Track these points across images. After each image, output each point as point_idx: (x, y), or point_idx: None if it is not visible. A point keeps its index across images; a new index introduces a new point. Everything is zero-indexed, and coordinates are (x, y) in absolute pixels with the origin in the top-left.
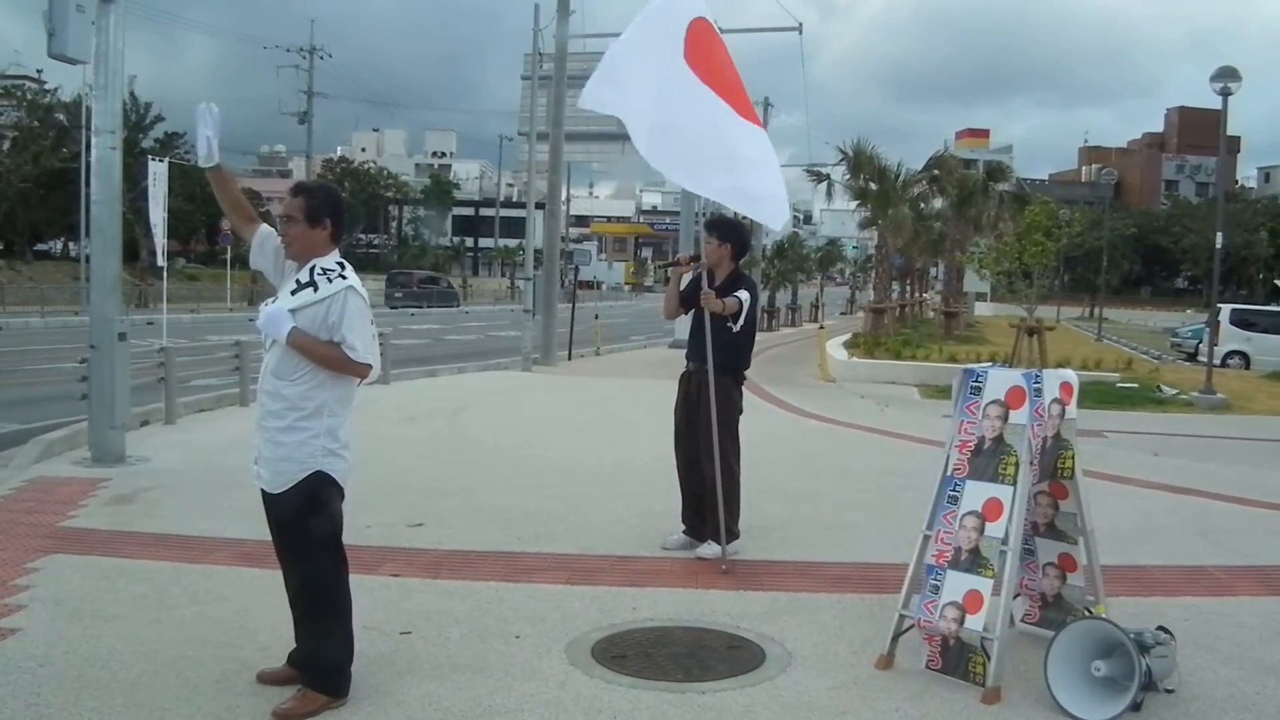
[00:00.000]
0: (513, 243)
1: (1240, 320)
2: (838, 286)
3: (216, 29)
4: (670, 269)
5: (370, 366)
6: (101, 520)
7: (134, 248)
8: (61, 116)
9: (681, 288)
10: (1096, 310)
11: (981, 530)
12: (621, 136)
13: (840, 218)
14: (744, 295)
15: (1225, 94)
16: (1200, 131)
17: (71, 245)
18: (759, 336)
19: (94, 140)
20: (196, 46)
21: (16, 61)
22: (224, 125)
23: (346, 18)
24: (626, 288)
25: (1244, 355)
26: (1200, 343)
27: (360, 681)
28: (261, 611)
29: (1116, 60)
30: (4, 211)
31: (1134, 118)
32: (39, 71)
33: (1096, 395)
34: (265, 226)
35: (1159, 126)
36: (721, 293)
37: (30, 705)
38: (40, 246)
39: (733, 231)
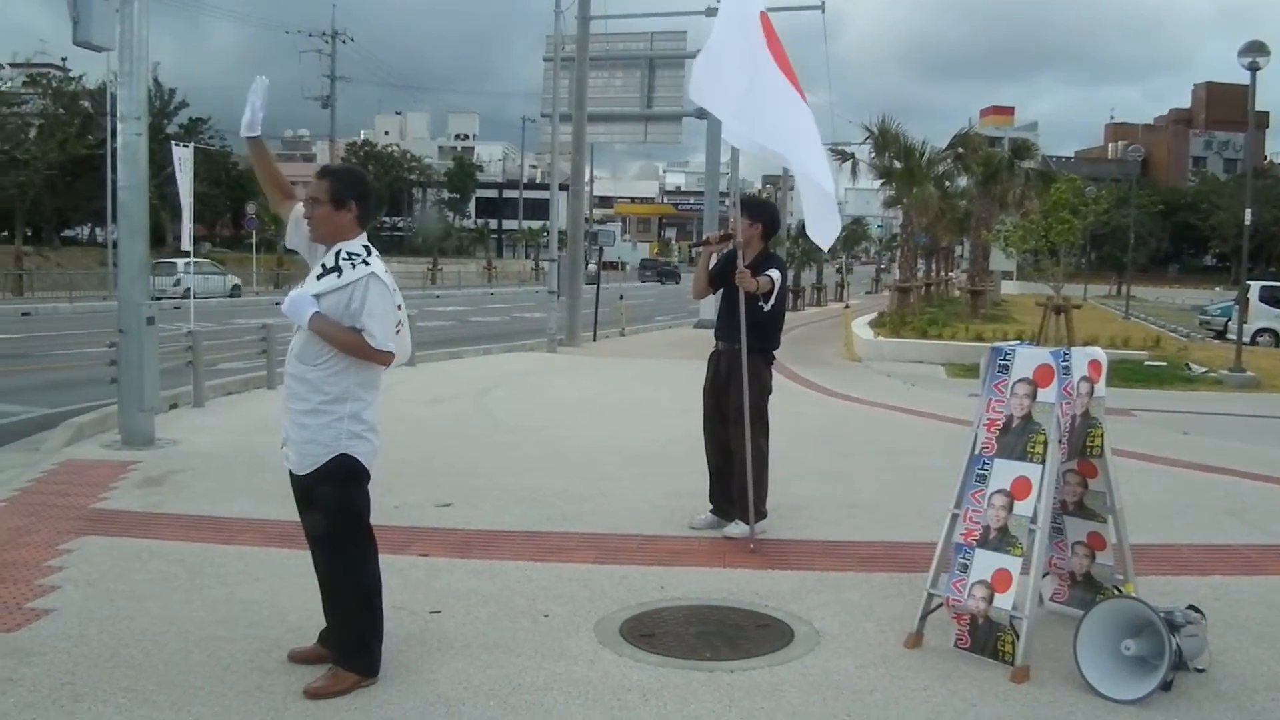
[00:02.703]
0: (536, 224)
1: (1269, 297)
2: (863, 265)
3: (239, 14)
4: (700, 248)
5: (391, 354)
6: (132, 502)
7: (160, 233)
8: (87, 104)
9: (711, 267)
10: (1124, 288)
11: (1010, 509)
12: (644, 117)
13: (865, 196)
14: (775, 274)
15: (1254, 69)
16: (1228, 107)
17: (98, 231)
18: None
19: (119, 127)
20: (219, 32)
21: (42, 50)
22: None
23: (368, 1)
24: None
25: (1273, 333)
26: (1229, 320)
27: (390, 660)
28: (291, 592)
29: (1144, 35)
30: (31, 198)
31: (1162, 94)
32: (64, 59)
33: (1125, 373)
34: (300, 205)
35: (1187, 102)
36: (752, 272)
37: (65, 684)
38: (67, 233)
39: (763, 211)
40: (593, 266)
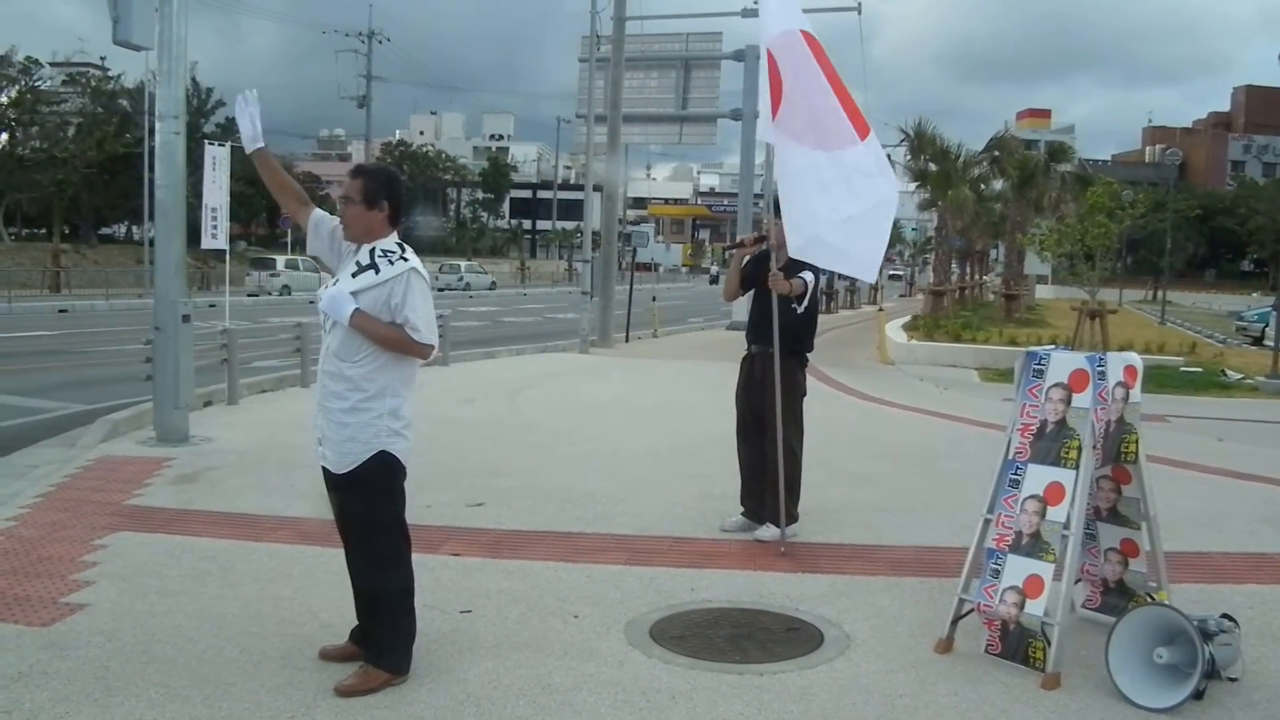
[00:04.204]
0: (570, 225)
1: None
2: (893, 273)
3: (276, 14)
4: (732, 250)
5: (432, 347)
6: (166, 498)
7: (197, 231)
8: (125, 102)
9: (743, 268)
10: (1160, 293)
11: (1043, 514)
12: (679, 118)
13: (899, 199)
14: (808, 277)
15: None
16: (1268, 110)
17: (135, 229)
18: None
19: (157, 125)
20: (256, 31)
21: (81, 49)
22: (285, 109)
23: (404, 1)
24: (685, 269)
25: None
26: (1266, 326)
27: (421, 659)
28: (323, 589)
29: (1184, 37)
30: (69, 196)
31: (1201, 97)
32: (103, 58)
33: (1160, 379)
34: (318, 210)
35: (1226, 106)
36: (785, 274)
37: (99, 679)
38: (105, 230)
39: None
40: (715, 269)
